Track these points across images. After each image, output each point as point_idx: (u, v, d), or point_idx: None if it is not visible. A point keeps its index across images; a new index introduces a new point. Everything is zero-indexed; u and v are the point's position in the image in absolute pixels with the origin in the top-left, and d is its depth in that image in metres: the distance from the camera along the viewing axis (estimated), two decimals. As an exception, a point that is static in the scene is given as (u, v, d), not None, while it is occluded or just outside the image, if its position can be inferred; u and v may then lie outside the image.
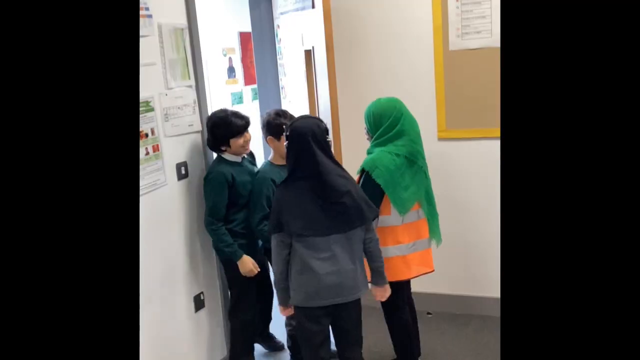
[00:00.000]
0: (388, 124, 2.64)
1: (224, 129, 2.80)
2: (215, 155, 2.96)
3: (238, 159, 2.89)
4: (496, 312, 3.57)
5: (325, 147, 2.34)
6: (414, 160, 2.65)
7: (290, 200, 2.32)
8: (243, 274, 2.88)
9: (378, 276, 2.50)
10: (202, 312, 3.02)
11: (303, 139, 2.29)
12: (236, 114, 2.85)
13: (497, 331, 3.43)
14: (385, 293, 2.55)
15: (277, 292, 2.47)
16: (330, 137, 2.39)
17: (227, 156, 2.86)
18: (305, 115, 2.45)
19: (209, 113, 2.99)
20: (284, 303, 2.47)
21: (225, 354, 3.19)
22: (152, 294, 2.62)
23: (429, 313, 3.72)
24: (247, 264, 2.87)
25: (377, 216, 2.47)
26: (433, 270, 2.85)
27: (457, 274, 3.69)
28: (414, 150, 2.65)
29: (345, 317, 2.44)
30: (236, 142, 2.83)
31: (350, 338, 2.50)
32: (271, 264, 3.17)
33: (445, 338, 3.42)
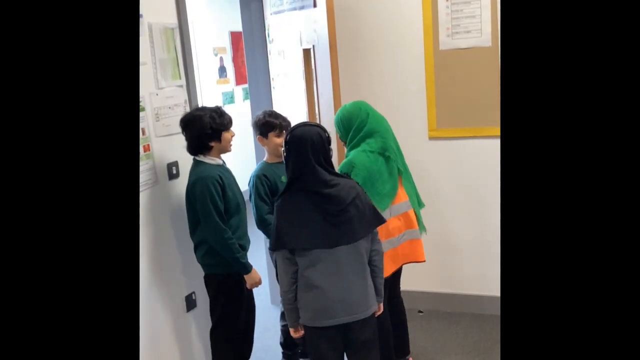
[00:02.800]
0: (356, 126, 2.69)
1: (218, 120, 2.61)
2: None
3: (220, 161, 2.72)
4: (487, 310, 3.59)
5: (323, 157, 2.21)
6: (388, 155, 2.69)
7: (291, 213, 2.20)
8: (250, 287, 2.77)
9: (376, 292, 2.35)
10: (194, 312, 3.02)
11: (302, 149, 2.17)
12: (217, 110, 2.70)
13: (487, 329, 3.46)
14: (378, 311, 2.41)
15: (286, 313, 2.34)
16: (332, 146, 2.27)
17: (208, 159, 2.66)
18: (306, 123, 2.32)
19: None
20: (293, 324, 2.33)
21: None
22: (142, 294, 2.61)
23: (420, 311, 3.74)
24: (257, 275, 2.75)
25: (383, 222, 2.33)
26: (424, 260, 2.84)
27: (448, 272, 3.70)
28: (385, 145, 2.69)
29: (357, 336, 2.27)
30: (227, 136, 2.66)
31: (366, 358, 2.34)
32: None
33: (436, 336, 3.44)
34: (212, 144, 2.63)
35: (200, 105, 2.78)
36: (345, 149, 2.79)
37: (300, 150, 2.18)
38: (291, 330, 2.37)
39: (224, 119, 2.64)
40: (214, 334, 2.85)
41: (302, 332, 2.34)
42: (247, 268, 2.70)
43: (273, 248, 2.25)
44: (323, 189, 2.17)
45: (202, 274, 3.00)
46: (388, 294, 2.81)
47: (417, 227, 2.81)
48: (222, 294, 2.77)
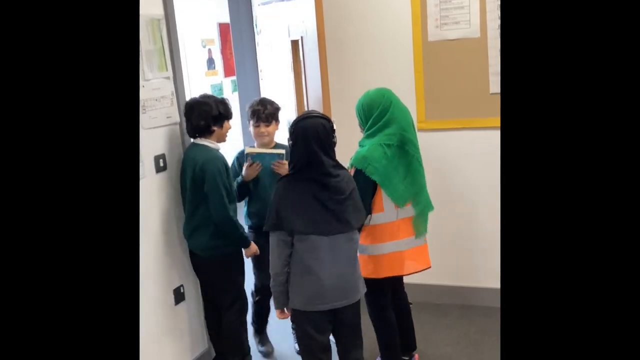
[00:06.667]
0: (377, 113, 2.59)
1: (223, 107, 2.76)
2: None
3: (218, 146, 2.82)
4: (476, 301, 3.61)
5: (328, 148, 2.27)
6: (407, 150, 2.61)
7: (293, 198, 2.26)
8: (248, 257, 2.94)
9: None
10: (182, 305, 3.00)
11: (308, 141, 2.23)
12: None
13: (477, 320, 3.47)
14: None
15: (274, 295, 2.38)
16: (336, 136, 2.34)
17: (210, 143, 2.76)
18: (310, 114, 2.35)
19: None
20: (281, 307, 2.39)
21: (206, 347, 3.18)
22: (139, 287, 2.59)
23: (409, 303, 3.73)
24: (254, 246, 2.92)
25: (368, 214, 2.46)
26: (430, 267, 2.81)
27: (438, 264, 3.69)
28: (404, 138, 2.59)
29: (346, 319, 2.37)
30: (227, 125, 2.81)
31: (351, 339, 2.44)
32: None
33: (426, 328, 3.44)
34: (215, 128, 2.76)
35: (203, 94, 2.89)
36: (362, 135, 2.70)
37: (306, 143, 2.23)
38: (277, 312, 2.43)
39: (227, 108, 2.81)
40: (230, 314, 2.91)
41: (287, 315, 2.41)
42: (249, 241, 2.88)
43: (270, 229, 2.30)
44: (326, 180, 2.25)
45: (190, 266, 3.00)
46: (392, 292, 2.80)
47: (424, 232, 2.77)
48: (235, 271, 2.90)
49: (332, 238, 2.26)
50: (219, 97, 2.83)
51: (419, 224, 2.74)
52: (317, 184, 2.25)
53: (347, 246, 2.31)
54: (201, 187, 2.69)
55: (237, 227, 2.76)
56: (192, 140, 2.82)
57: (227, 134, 2.84)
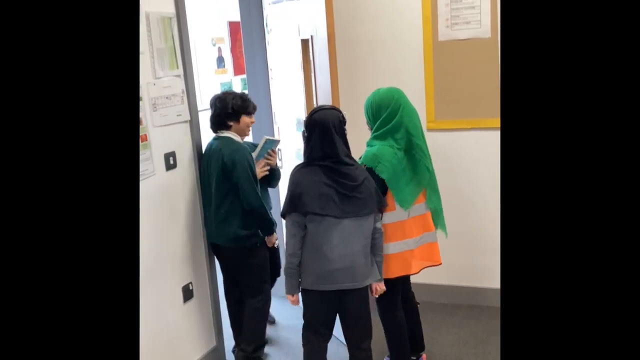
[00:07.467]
0: (386, 115, 2.59)
1: (240, 103, 2.89)
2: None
3: (240, 140, 2.94)
4: (483, 301, 3.60)
5: (343, 139, 2.41)
6: (413, 154, 2.61)
7: (307, 182, 2.36)
8: (270, 245, 3.04)
9: (378, 271, 2.53)
10: (191, 302, 3.02)
11: (326, 130, 2.35)
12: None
13: (484, 321, 3.46)
14: (380, 288, 2.57)
15: (286, 278, 2.46)
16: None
17: (233, 135, 2.90)
18: (323, 107, 2.48)
19: (197, 103, 3.02)
20: (293, 291, 2.47)
21: (215, 344, 3.20)
22: (139, 285, 2.61)
23: (417, 303, 3.73)
24: (276, 235, 3.06)
25: (385, 205, 2.52)
26: (440, 264, 2.81)
27: (445, 263, 3.68)
28: (412, 143, 2.60)
29: (355, 305, 2.46)
30: (245, 119, 2.92)
31: (359, 327, 2.52)
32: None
33: (433, 327, 3.45)
34: (231, 123, 2.89)
35: (225, 90, 3.09)
36: (370, 134, 2.70)
37: (325, 132, 2.36)
38: (288, 297, 2.50)
39: (245, 103, 2.91)
40: (254, 302, 3.00)
41: (296, 299, 2.49)
42: (274, 229, 2.98)
43: (286, 212, 2.40)
44: (340, 167, 2.36)
45: (199, 264, 3.01)
46: (402, 293, 2.80)
47: (434, 229, 2.77)
48: (261, 263, 3.00)
49: (343, 221, 2.35)
50: (240, 93, 2.97)
51: (439, 222, 2.81)
52: (331, 170, 2.35)
53: (358, 231, 2.39)
54: (230, 177, 2.79)
55: (268, 213, 2.90)
56: (214, 134, 2.95)
57: (249, 127, 2.98)
